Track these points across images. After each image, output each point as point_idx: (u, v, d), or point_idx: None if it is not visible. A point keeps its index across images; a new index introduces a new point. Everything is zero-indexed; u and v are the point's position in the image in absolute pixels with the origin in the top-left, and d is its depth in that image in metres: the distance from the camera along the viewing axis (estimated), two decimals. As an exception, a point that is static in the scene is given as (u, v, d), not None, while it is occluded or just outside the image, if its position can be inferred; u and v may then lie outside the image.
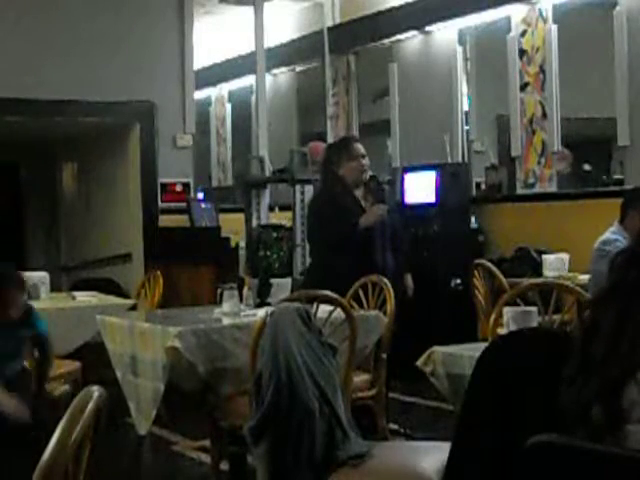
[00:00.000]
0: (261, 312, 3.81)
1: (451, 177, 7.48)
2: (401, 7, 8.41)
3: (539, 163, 7.28)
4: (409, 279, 5.89)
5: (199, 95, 9.62)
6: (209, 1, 9.19)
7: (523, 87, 7.37)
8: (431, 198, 7.47)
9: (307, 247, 6.88)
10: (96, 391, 1.54)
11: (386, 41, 8.70)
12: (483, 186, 7.88)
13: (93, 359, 5.35)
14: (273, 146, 8.77)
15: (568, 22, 7.12)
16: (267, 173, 8.36)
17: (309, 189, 7.44)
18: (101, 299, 5.97)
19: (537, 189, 7.32)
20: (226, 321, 4.61)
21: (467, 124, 8.13)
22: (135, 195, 8.47)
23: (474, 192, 7.91)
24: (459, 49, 8.05)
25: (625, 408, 1.34)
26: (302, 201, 7.53)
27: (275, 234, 7.44)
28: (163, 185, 8.42)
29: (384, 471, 2.83)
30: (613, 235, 5.24)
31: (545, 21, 7.16)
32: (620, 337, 1.38)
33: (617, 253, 1.51)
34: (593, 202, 6.63)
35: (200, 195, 9.26)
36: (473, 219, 7.62)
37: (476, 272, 5.83)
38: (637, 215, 5.14)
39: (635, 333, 1.36)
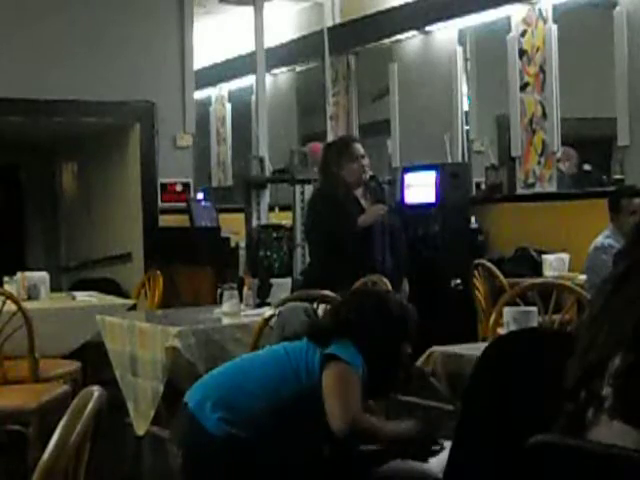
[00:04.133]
0: (268, 311, 3.81)
1: (451, 177, 7.48)
2: (401, 7, 8.41)
3: (539, 163, 7.28)
4: (405, 283, 5.88)
5: (199, 95, 9.61)
6: (209, 1, 9.18)
7: (523, 87, 7.37)
8: (431, 198, 7.46)
9: (307, 247, 6.88)
10: (96, 391, 1.54)
11: (386, 41, 8.69)
12: (483, 186, 7.88)
13: (93, 359, 5.36)
14: (273, 146, 8.77)
15: (568, 22, 7.11)
16: (267, 173, 8.36)
17: (309, 189, 7.44)
18: (101, 299, 5.97)
19: (537, 189, 7.32)
20: (226, 321, 4.61)
21: (467, 124, 8.13)
22: (135, 195, 8.46)
23: (474, 192, 7.91)
24: (459, 49, 8.05)
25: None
26: (302, 201, 7.52)
27: (275, 234, 7.45)
28: (163, 185, 8.42)
29: (387, 469, 2.84)
30: (607, 239, 5.29)
31: (545, 21, 7.16)
32: (600, 326, 1.41)
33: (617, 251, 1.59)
34: (593, 202, 6.62)
35: (200, 195, 9.26)
36: (473, 219, 7.61)
37: (476, 272, 5.83)
38: (616, 217, 5.30)
39: (612, 323, 1.38)
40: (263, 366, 2.89)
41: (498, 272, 5.79)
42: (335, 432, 2.71)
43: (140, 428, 4.70)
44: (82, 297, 5.97)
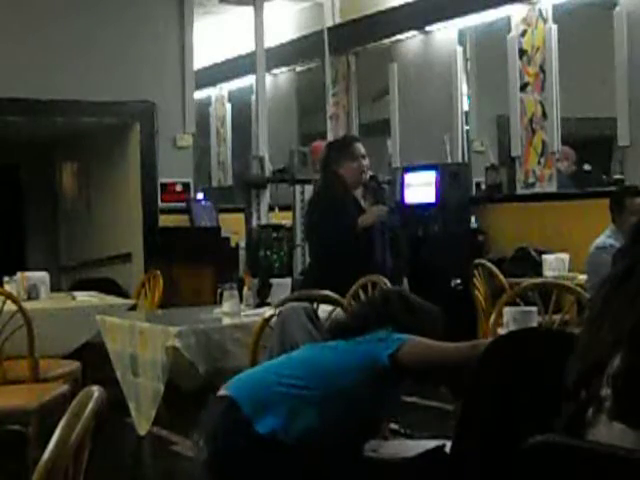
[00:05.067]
0: (268, 311, 3.81)
1: (451, 177, 7.48)
2: (401, 7, 8.41)
3: (539, 163, 7.28)
4: (405, 283, 5.88)
5: (199, 95, 9.62)
6: (209, 1, 9.18)
7: (523, 87, 7.37)
8: (431, 198, 7.47)
9: (307, 247, 6.88)
10: (96, 391, 1.53)
11: (386, 41, 8.70)
12: (483, 186, 7.88)
13: (93, 359, 5.35)
14: (273, 146, 8.77)
15: (568, 22, 7.12)
16: (267, 173, 8.37)
17: (309, 189, 7.44)
18: (101, 299, 5.97)
19: (537, 189, 7.32)
20: (226, 321, 4.61)
21: (467, 124, 8.13)
22: (135, 195, 8.47)
23: (474, 192, 7.92)
24: (459, 49, 8.05)
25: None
26: (302, 201, 7.53)
27: (275, 234, 7.46)
28: (163, 185, 8.42)
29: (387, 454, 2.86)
30: (608, 239, 5.29)
31: (545, 21, 7.16)
32: (600, 326, 1.41)
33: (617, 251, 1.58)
34: (593, 202, 6.62)
35: (200, 195, 9.26)
36: (473, 219, 7.62)
37: (476, 272, 5.82)
38: (618, 217, 5.31)
39: (612, 322, 1.39)
40: (327, 374, 2.77)
41: (498, 272, 5.79)
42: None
43: (142, 428, 4.70)
44: (82, 297, 5.96)
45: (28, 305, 4.81)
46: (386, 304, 2.98)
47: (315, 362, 2.84)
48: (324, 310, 3.97)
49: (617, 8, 6.66)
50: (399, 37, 8.57)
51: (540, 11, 7.19)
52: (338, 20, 9.33)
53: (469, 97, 8.16)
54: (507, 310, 3.53)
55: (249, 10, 8.84)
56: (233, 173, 10.86)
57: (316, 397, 2.70)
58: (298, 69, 10.07)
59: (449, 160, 7.86)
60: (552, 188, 7.23)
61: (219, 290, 5.00)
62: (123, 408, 4.72)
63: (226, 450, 2.70)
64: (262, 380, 2.81)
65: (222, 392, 2.80)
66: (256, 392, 2.74)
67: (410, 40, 8.51)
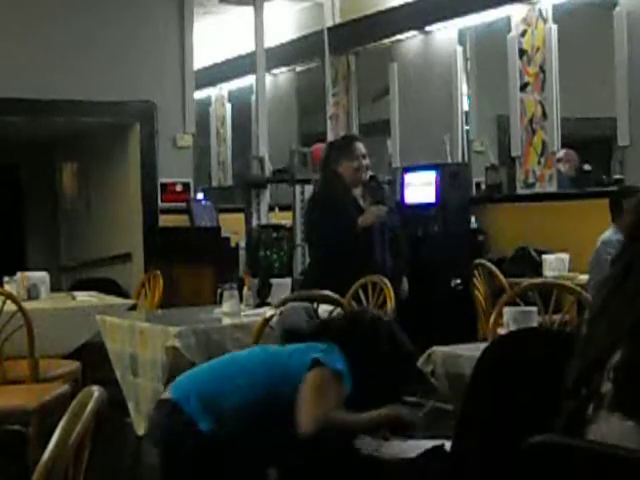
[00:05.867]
0: (268, 311, 3.81)
1: (451, 177, 7.48)
2: (401, 7, 8.41)
3: (539, 163, 7.28)
4: (405, 282, 5.88)
5: (199, 95, 9.62)
6: (209, 1, 9.19)
7: (523, 87, 7.37)
8: (431, 198, 7.47)
9: (307, 247, 6.88)
10: (96, 391, 1.54)
11: (386, 41, 8.70)
12: (483, 186, 7.88)
13: (93, 359, 5.35)
14: (273, 146, 8.77)
15: (568, 22, 7.12)
16: (267, 173, 8.36)
17: (309, 189, 7.44)
18: (101, 299, 5.97)
19: (537, 189, 7.32)
20: (226, 321, 4.61)
21: (467, 124, 8.13)
22: (135, 195, 8.47)
23: (474, 192, 7.91)
24: (459, 49, 8.05)
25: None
26: (302, 201, 7.53)
27: (275, 234, 7.46)
28: (163, 185, 8.42)
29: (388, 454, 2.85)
30: (615, 235, 5.29)
31: (545, 21, 7.16)
32: (599, 324, 1.41)
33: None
34: (593, 202, 6.62)
35: (200, 195, 9.26)
36: (473, 219, 7.62)
37: (476, 272, 5.83)
38: (618, 217, 5.32)
39: (612, 320, 1.39)
40: (261, 370, 2.83)
41: (498, 272, 5.79)
42: (300, 433, 2.65)
43: (141, 428, 4.69)
44: (82, 297, 5.96)
45: (28, 305, 4.81)
46: (373, 325, 2.96)
47: (248, 360, 2.89)
48: (324, 310, 3.97)
49: (617, 8, 6.66)
50: (399, 37, 8.56)
51: (540, 11, 7.19)
52: (338, 20, 9.33)
53: (469, 97, 8.16)
54: (507, 310, 3.53)
55: (249, 10, 8.84)
56: (233, 173, 10.86)
57: (246, 393, 2.73)
58: (298, 69, 10.07)
59: (449, 160, 7.86)
60: (552, 188, 7.23)
61: (219, 290, 5.00)
62: (123, 408, 4.72)
63: (175, 452, 2.73)
64: (201, 380, 2.86)
65: (165, 395, 2.82)
66: (196, 392, 2.77)
67: (410, 40, 8.51)
